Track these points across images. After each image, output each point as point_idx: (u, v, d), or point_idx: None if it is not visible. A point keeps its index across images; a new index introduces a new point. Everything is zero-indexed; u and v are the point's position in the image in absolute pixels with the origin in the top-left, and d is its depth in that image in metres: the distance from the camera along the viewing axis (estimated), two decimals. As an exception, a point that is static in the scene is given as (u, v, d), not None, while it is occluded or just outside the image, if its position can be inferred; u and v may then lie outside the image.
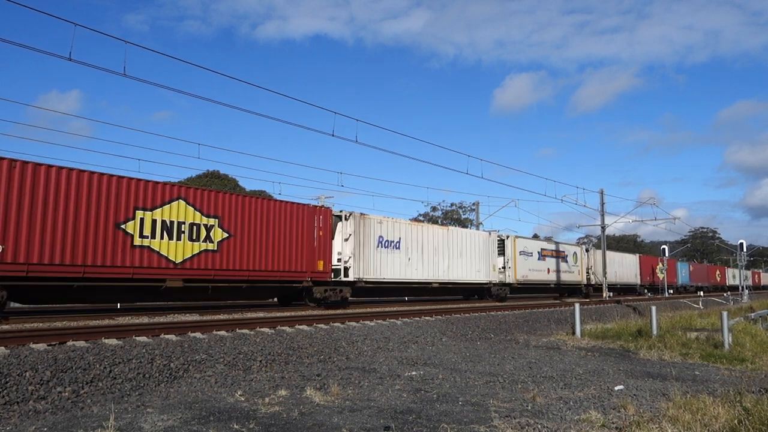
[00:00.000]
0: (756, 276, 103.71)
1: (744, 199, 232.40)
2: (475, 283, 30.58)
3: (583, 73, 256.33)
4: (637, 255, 51.94)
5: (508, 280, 32.68)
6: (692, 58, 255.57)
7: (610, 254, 42.43)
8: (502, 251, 32.84)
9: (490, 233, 32.58)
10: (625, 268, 48.01)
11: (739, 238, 60.08)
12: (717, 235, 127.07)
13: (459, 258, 29.05)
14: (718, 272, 77.66)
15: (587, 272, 41.80)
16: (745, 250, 54.61)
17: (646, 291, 51.16)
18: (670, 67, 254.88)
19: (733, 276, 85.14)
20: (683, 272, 62.04)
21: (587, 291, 40.97)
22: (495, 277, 31.76)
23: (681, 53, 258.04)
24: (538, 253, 36.12)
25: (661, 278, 53.17)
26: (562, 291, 40.60)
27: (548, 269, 37.00)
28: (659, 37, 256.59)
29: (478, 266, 30.65)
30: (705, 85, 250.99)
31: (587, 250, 42.69)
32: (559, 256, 38.39)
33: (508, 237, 33.34)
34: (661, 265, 53.66)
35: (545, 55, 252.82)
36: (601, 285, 38.90)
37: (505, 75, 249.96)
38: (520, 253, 34.14)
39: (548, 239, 41.53)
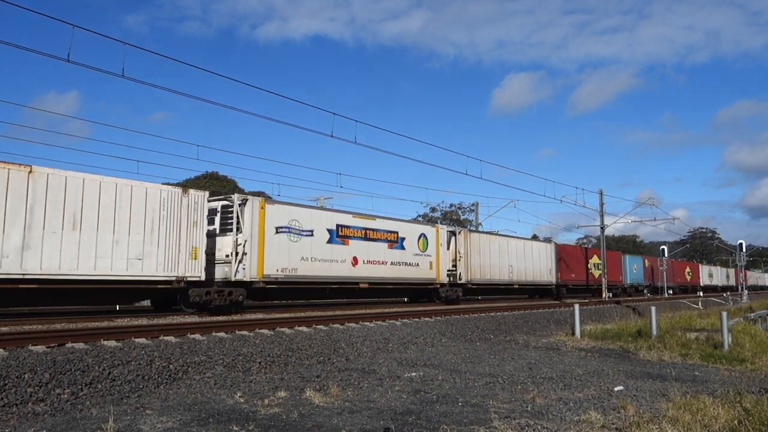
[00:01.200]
0: (740, 276, 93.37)
1: (743, 200, 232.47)
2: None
3: (582, 73, 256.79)
4: (552, 244, 37.74)
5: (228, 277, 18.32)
6: (693, 58, 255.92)
7: (484, 238, 30.64)
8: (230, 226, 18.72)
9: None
10: (527, 261, 33.92)
11: (738, 239, 59.68)
12: (716, 236, 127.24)
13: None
14: (688, 270, 65.35)
15: (453, 264, 28.17)
16: (744, 250, 54.66)
17: (564, 292, 37.96)
18: (670, 67, 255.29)
19: (709, 275, 72.78)
20: (633, 268, 49.79)
21: (449, 293, 27.38)
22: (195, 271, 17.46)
23: (682, 53, 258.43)
24: (330, 231, 21.58)
25: (596, 276, 41.02)
26: (393, 293, 27.30)
27: (353, 259, 22.42)
28: (660, 37, 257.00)
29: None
30: (705, 85, 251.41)
31: (454, 233, 28.93)
32: (384, 239, 24.05)
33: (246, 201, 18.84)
34: (596, 258, 41.73)
35: (545, 55, 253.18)
36: (481, 283, 29.67)
37: (505, 75, 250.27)
38: (278, 230, 19.51)
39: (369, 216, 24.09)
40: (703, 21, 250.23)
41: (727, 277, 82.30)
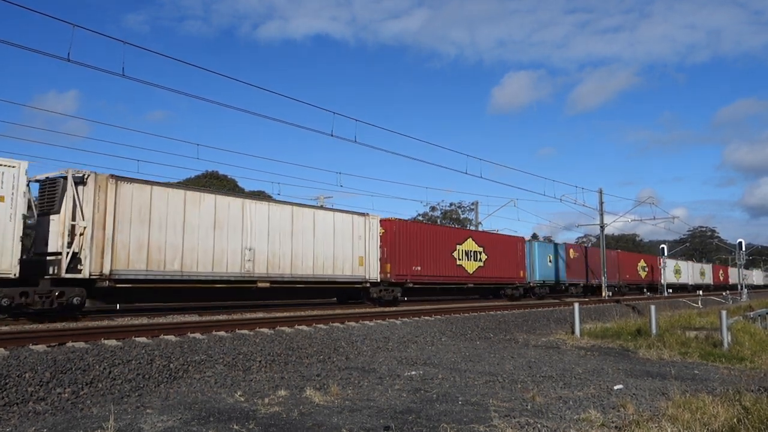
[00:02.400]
0: (720, 273, 77.92)
1: (743, 199, 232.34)
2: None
3: (582, 71, 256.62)
4: (368, 218, 23.13)
5: None
6: (694, 57, 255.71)
7: (159, 193, 16.34)
8: None
9: None
10: (304, 240, 20.20)
11: (738, 237, 58.54)
12: (716, 234, 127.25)
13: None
14: (642, 264, 52.44)
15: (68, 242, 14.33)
16: (743, 249, 54.67)
17: (399, 294, 24.14)
18: (671, 66, 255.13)
19: (676, 271, 59.77)
20: (548, 261, 36.29)
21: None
22: None
23: (683, 53, 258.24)
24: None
25: (471, 271, 28.66)
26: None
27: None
28: (661, 36, 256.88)
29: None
30: (705, 84, 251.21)
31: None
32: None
33: None
34: (473, 244, 29.09)
35: (546, 54, 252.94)
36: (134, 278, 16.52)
37: (505, 74, 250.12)
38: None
39: None
40: (704, 20, 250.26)
41: (702, 274, 69.16)
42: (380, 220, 23.90)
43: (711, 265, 75.20)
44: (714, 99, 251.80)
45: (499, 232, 34.95)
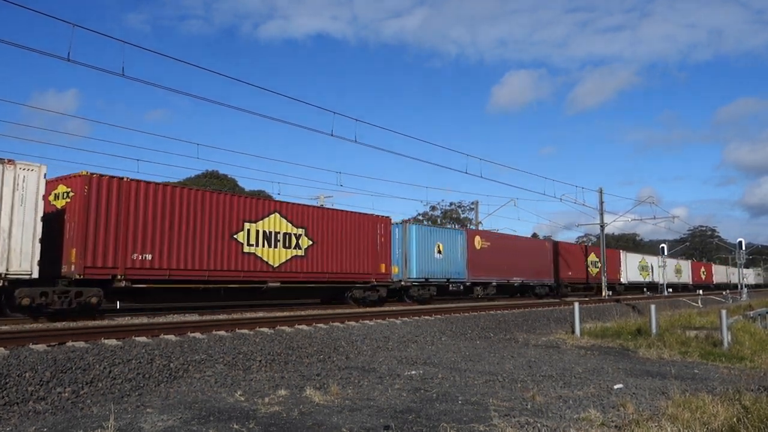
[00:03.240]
0: (701, 271, 67.94)
1: (743, 198, 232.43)
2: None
3: (583, 70, 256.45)
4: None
5: None
6: (695, 56, 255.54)
7: None
8: None
9: None
10: None
11: (738, 237, 58.10)
12: (716, 234, 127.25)
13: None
14: (593, 258, 42.47)
15: None
16: (744, 248, 54.65)
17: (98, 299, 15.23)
18: (672, 65, 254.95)
19: (641, 268, 50.92)
20: (436, 252, 27.32)
21: None
22: None
23: (684, 52, 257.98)
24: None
25: (275, 264, 19.88)
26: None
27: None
28: (662, 35, 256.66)
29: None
30: (706, 83, 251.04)
31: None
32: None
33: None
34: (256, 225, 19.31)
35: (547, 54, 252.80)
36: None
37: (505, 73, 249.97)
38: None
39: None
40: (705, 19, 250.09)
41: (678, 271, 60.07)
42: (54, 177, 15.60)
43: (689, 261, 65.90)
44: (714, 98, 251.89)
45: (343, 210, 23.72)
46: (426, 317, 19.02)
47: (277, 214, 20.29)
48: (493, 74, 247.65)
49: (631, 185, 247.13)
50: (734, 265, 71.63)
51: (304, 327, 14.71)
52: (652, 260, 53.70)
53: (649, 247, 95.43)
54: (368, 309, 21.03)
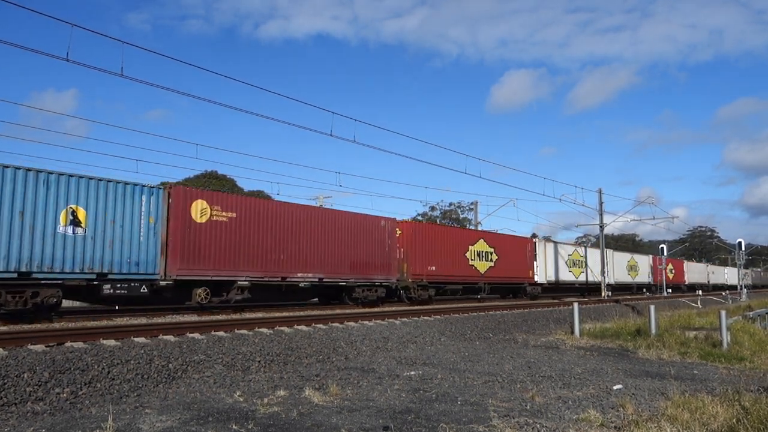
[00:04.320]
0: (668, 268, 53.10)
1: (743, 198, 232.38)
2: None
3: (583, 70, 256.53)
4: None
5: None
6: (695, 56, 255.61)
7: None
8: None
9: None
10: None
11: (737, 237, 58.36)
12: (715, 234, 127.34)
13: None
14: (479, 249, 30.01)
15: None
16: (743, 248, 54.66)
17: None
18: (673, 65, 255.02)
19: (572, 263, 38.69)
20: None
21: None
22: None
23: (684, 52, 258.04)
24: None
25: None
26: None
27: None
28: (663, 35, 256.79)
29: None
30: (706, 83, 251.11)
31: None
32: None
33: None
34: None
35: (548, 54, 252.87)
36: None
37: (505, 73, 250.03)
38: None
39: None
40: (706, 19, 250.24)
41: (633, 269, 48.65)
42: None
43: (649, 256, 52.88)
44: (714, 98, 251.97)
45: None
46: (425, 318, 19.00)
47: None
48: (492, 74, 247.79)
49: (631, 185, 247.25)
50: (734, 265, 69.19)
51: (303, 327, 14.70)
52: (589, 253, 41.91)
53: (649, 248, 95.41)
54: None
